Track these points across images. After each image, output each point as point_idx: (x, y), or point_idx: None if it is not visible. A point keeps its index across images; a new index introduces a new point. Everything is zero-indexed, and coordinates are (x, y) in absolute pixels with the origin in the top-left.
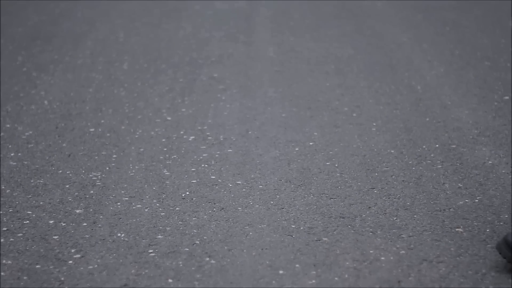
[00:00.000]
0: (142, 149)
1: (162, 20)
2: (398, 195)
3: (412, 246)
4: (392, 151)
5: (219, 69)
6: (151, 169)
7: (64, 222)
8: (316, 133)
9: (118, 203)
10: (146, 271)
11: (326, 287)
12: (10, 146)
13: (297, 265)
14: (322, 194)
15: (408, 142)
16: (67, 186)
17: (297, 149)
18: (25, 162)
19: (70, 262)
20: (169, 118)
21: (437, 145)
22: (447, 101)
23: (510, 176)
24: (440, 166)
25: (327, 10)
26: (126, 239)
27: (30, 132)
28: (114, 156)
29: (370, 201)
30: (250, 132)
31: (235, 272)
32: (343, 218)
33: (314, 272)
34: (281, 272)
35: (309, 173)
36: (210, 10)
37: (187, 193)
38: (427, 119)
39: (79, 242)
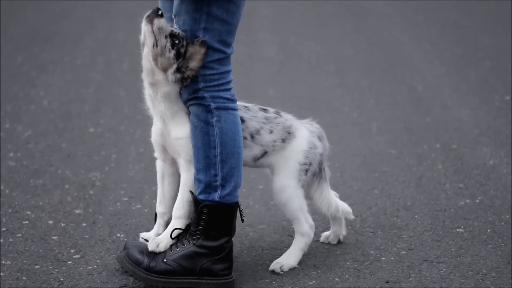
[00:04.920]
0: (141, 150)
1: None
2: (399, 196)
3: (412, 246)
4: (393, 151)
5: None
6: (151, 170)
7: (63, 223)
8: None
9: (118, 204)
10: None
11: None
12: (9, 146)
13: (297, 266)
14: None
15: (408, 142)
16: (67, 186)
17: None
18: (25, 162)
19: (70, 262)
20: None
21: (437, 145)
22: (448, 101)
23: (511, 176)
24: (440, 167)
25: (327, 10)
26: (125, 239)
27: (30, 132)
28: (114, 156)
29: (370, 202)
30: None
31: (235, 272)
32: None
33: (314, 273)
34: (281, 272)
35: None
36: None
37: None
38: (428, 119)
39: (78, 242)
